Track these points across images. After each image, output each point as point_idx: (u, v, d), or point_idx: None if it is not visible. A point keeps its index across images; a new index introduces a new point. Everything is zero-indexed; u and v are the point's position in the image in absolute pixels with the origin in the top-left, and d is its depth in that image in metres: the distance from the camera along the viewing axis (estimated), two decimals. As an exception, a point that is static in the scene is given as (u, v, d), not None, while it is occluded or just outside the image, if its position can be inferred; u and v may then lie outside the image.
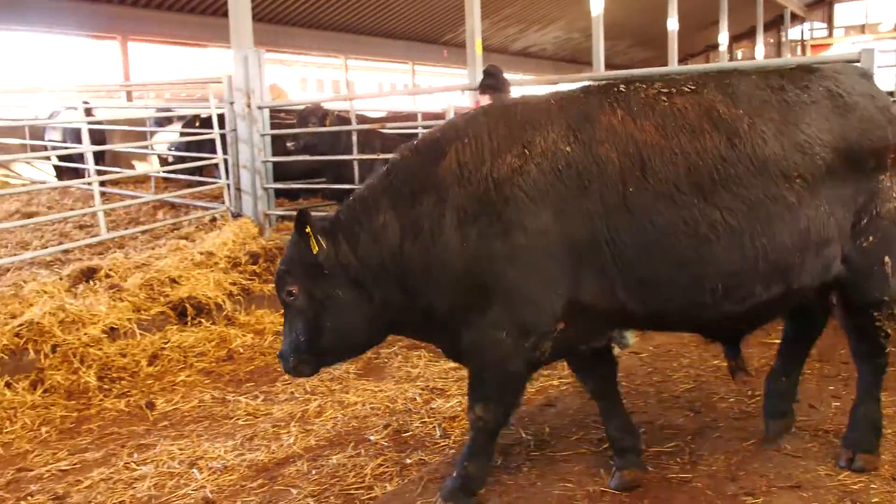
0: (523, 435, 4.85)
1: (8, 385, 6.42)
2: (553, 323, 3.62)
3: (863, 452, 4.08)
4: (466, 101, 15.72)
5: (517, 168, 3.54)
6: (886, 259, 3.78)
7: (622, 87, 3.74)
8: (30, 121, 16.01)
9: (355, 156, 9.86)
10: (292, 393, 6.24)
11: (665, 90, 3.69)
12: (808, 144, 3.59)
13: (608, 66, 22.66)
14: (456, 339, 3.84)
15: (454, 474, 4.03)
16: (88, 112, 14.60)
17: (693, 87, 3.70)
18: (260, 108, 10.38)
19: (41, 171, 16.68)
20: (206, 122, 11.63)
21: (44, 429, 5.83)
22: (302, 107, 10.81)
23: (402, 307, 3.88)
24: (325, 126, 10.38)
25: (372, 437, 5.26)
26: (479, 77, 15.64)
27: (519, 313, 3.59)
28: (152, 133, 14.81)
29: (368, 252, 3.82)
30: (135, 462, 5.11)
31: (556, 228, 3.50)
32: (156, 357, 7.18)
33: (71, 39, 20.87)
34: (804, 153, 3.57)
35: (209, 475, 4.85)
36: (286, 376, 6.50)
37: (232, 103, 10.75)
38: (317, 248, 3.78)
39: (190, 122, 12.66)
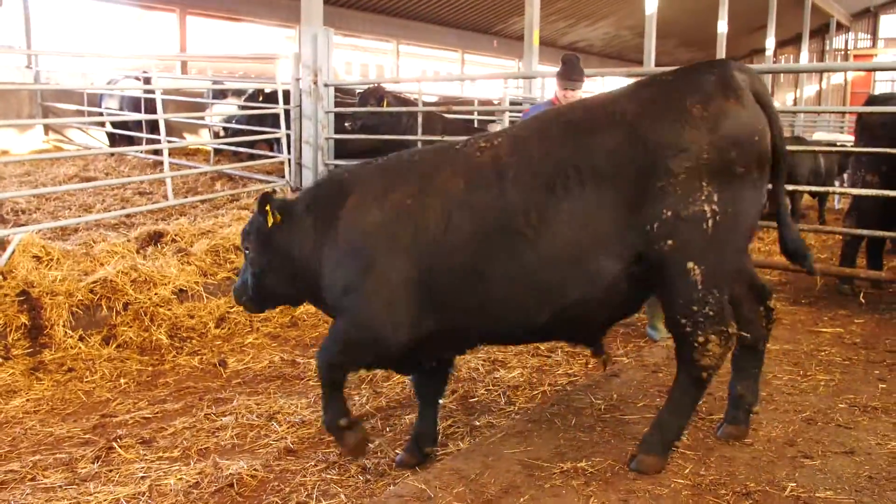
0: (593, 400, 5.03)
1: (81, 339, 6.70)
2: (408, 329, 4.10)
3: (644, 455, 4.03)
4: (515, 90, 15.87)
5: (376, 217, 4.13)
6: (691, 265, 3.74)
7: (458, 147, 4.26)
8: (106, 88, 16.15)
9: (418, 136, 10.03)
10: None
11: (481, 145, 4.14)
12: (554, 184, 3.83)
13: (655, 65, 22.66)
14: None
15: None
16: (148, 82, 14.90)
17: (489, 143, 4.12)
18: (326, 85, 10.60)
19: (94, 139, 17.02)
20: (269, 98, 11.87)
21: (122, 380, 6.11)
22: (365, 87, 11.01)
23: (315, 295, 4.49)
24: (382, 107, 10.58)
25: (440, 401, 5.46)
26: (535, 67, 15.88)
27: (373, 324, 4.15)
28: (210, 105, 15.04)
29: (295, 247, 4.46)
30: (215, 413, 5.36)
31: (397, 265, 4.04)
32: (223, 320, 7.45)
33: (126, 9, 21.15)
34: (550, 193, 3.84)
35: (288, 428, 5.08)
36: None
37: (298, 80, 10.98)
38: (270, 223, 4.45)
39: (252, 96, 12.90)
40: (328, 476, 4.40)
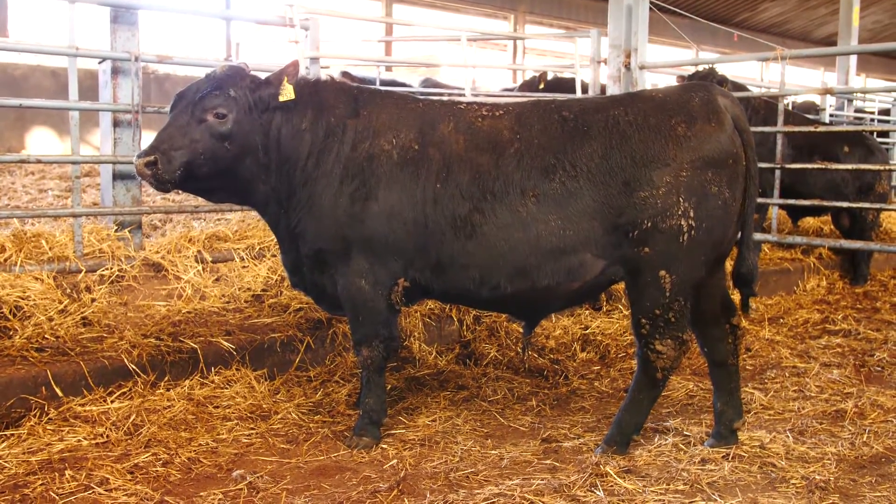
0: None
1: (439, 353, 6.78)
2: (395, 278, 5.11)
3: (606, 446, 5.03)
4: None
5: (385, 151, 5.03)
6: (663, 272, 4.75)
7: (462, 105, 5.24)
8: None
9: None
10: (799, 391, 6.28)
11: (482, 113, 5.12)
12: (553, 168, 4.82)
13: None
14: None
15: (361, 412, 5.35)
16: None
17: (500, 113, 5.10)
18: (642, 68, 10.47)
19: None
20: (553, 85, 11.90)
21: (531, 402, 6.13)
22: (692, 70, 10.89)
23: (279, 195, 5.19)
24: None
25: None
26: (852, 58, 15.40)
27: (371, 266, 5.08)
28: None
29: (291, 140, 5.12)
30: (684, 444, 5.24)
31: (397, 204, 4.97)
32: (587, 342, 7.47)
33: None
34: (546, 175, 4.82)
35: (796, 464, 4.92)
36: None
37: (599, 62, 10.95)
38: (283, 98, 5.03)
39: (531, 83, 12.99)
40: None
